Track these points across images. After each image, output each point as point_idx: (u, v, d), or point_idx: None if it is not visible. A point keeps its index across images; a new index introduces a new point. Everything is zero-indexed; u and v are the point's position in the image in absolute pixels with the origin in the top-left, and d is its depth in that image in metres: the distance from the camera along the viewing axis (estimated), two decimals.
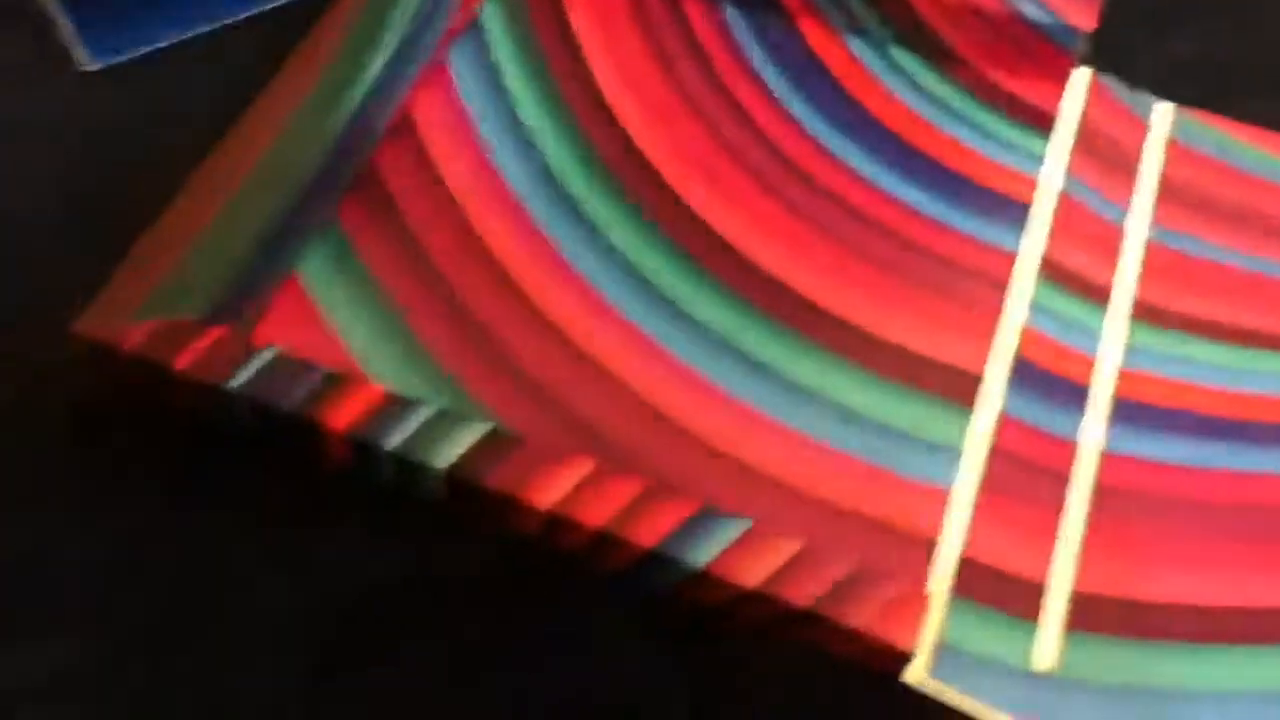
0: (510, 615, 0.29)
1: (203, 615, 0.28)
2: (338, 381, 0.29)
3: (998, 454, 0.30)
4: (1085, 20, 0.37)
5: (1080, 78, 0.37)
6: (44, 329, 0.32)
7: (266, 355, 0.29)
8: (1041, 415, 0.31)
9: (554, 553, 0.29)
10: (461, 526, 0.30)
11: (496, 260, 0.32)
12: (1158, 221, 0.34)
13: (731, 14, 0.38)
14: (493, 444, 0.28)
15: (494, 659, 0.28)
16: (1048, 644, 0.28)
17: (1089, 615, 0.28)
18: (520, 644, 0.28)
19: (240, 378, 0.28)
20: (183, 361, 0.29)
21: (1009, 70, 0.37)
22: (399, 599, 0.29)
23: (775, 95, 0.36)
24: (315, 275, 0.31)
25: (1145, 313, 0.33)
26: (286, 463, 0.30)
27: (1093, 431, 0.31)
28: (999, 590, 0.28)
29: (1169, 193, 0.35)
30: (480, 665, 0.28)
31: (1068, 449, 0.30)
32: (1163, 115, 0.37)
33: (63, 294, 0.33)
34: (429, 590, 0.29)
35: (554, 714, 0.27)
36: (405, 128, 0.34)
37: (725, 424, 0.30)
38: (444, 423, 0.28)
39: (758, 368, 0.31)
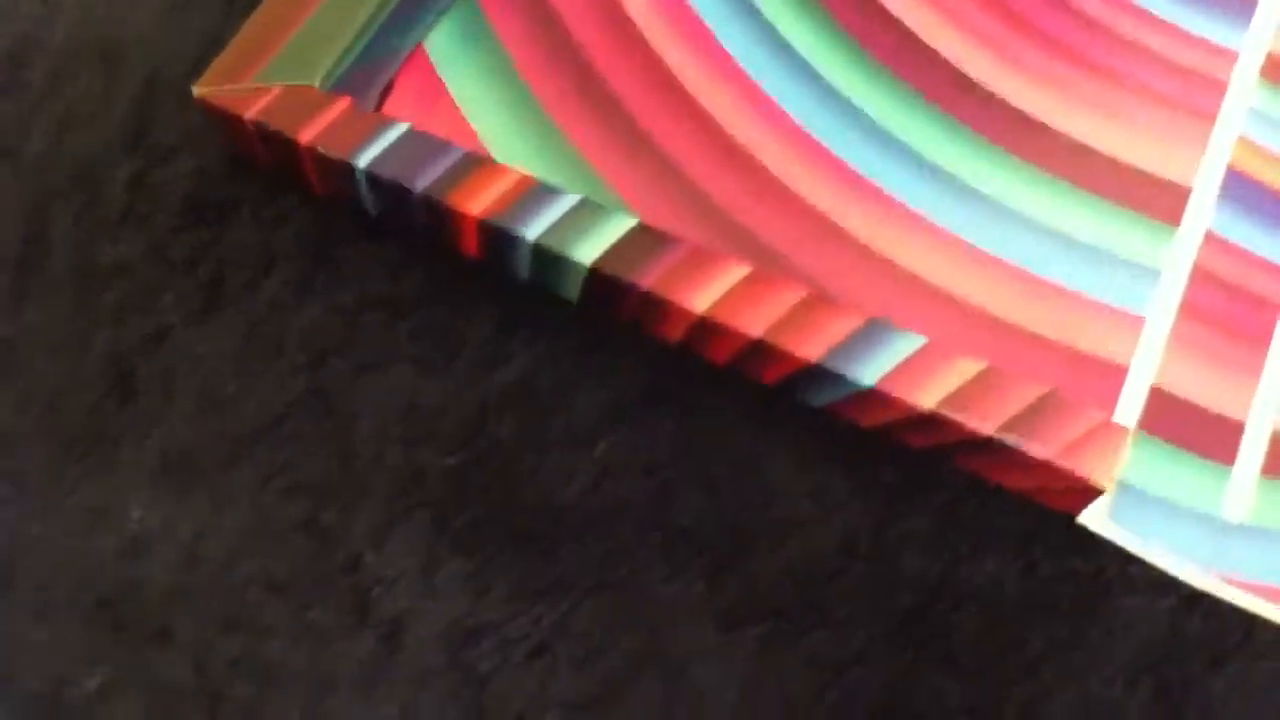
0: (657, 428, 0.27)
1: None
2: (474, 163, 0.26)
3: (1200, 276, 0.27)
4: None
5: None
6: (167, 98, 0.30)
7: (397, 131, 0.26)
8: (1253, 235, 0.27)
9: (704, 366, 0.27)
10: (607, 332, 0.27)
11: (643, 40, 0.29)
12: None
13: None
14: (642, 240, 0.25)
15: (639, 470, 0.26)
16: (1242, 490, 0.25)
17: None
18: (672, 460, 0.26)
19: (368, 154, 0.26)
20: (307, 134, 0.26)
21: None
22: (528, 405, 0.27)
23: None
24: (444, 48, 0.28)
25: None
26: (422, 246, 0.28)
27: None
28: (1191, 428, 0.25)
29: None
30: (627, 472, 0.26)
31: (1278, 272, 0.27)
32: None
33: (185, 60, 0.31)
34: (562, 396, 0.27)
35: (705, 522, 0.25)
36: None
37: (901, 234, 0.27)
38: (589, 214, 0.25)
39: (943, 176, 0.27)
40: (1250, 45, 0.29)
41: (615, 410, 0.27)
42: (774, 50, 0.29)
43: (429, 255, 0.28)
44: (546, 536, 0.26)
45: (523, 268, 0.27)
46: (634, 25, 0.29)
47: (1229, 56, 0.29)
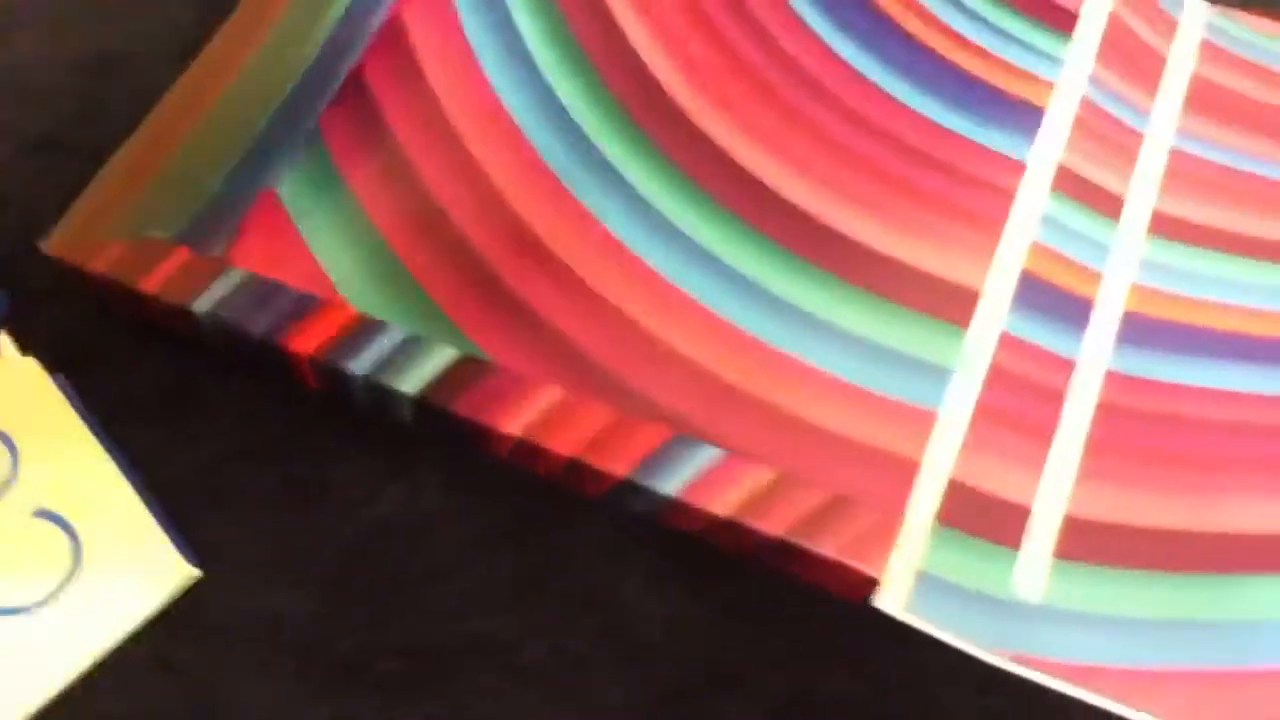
0: (519, 559, 0.29)
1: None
2: (307, 304, 0.28)
3: (996, 374, 0.29)
4: None
5: None
6: (29, 253, 0.32)
7: (235, 277, 0.28)
8: (1045, 333, 0.29)
9: (564, 493, 0.29)
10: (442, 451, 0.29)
11: (487, 179, 0.31)
12: (1182, 128, 0.32)
13: None
14: (461, 369, 0.27)
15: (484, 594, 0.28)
16: (1034, 573, 0.27)
17: (1080, 542, 0.27)
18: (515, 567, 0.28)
19: (207, 300, 0.28)
20: (150, 283, 0.28)
21: None
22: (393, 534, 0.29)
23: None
24: (293, 192, 0.30)
25: (1162, 225, 0.31)
26: (281, 388, 0.30)
27: (1098, 350, 0.29)
28: (986, 516, 0.27)
29: (1196, 97, 0.33)
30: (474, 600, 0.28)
31: (1069, 368, 0.29)
32: (1195, 12, 0.34)
33: (41, 215, 0.33)
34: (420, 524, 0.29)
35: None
36: (395, 35, 0.33)
37: (707, 344, 0.29)
38: (413, 347, 0.28)
39: (745, 284, 0.30)
40: (1037, 157, 0.32)
41: (479, 543, 0.29)
42: (604, 179, 0.31)
43: (290, 397, 0.30)
44: (411, 676, 0.27)
45: (361, 401, 0.29)
46: (485, 176, 0.31)
47: (1017, 168, 0.31)
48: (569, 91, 0.32)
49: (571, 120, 0.32)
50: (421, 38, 0.33)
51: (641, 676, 0.27)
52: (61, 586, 0.27)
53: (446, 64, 0.32)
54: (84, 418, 0.29)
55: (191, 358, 0.31)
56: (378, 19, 0.33)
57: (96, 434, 0.29)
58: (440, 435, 0.29)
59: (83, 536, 0.27)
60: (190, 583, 0.28)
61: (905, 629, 0.29)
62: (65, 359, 0.31)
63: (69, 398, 0.29)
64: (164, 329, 0.31)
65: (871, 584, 0.26)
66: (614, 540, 0.29)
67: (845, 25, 0.34)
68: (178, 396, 0.30)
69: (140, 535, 0.27)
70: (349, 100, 0.32)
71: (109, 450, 0.28)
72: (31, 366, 0.29)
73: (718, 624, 0.28)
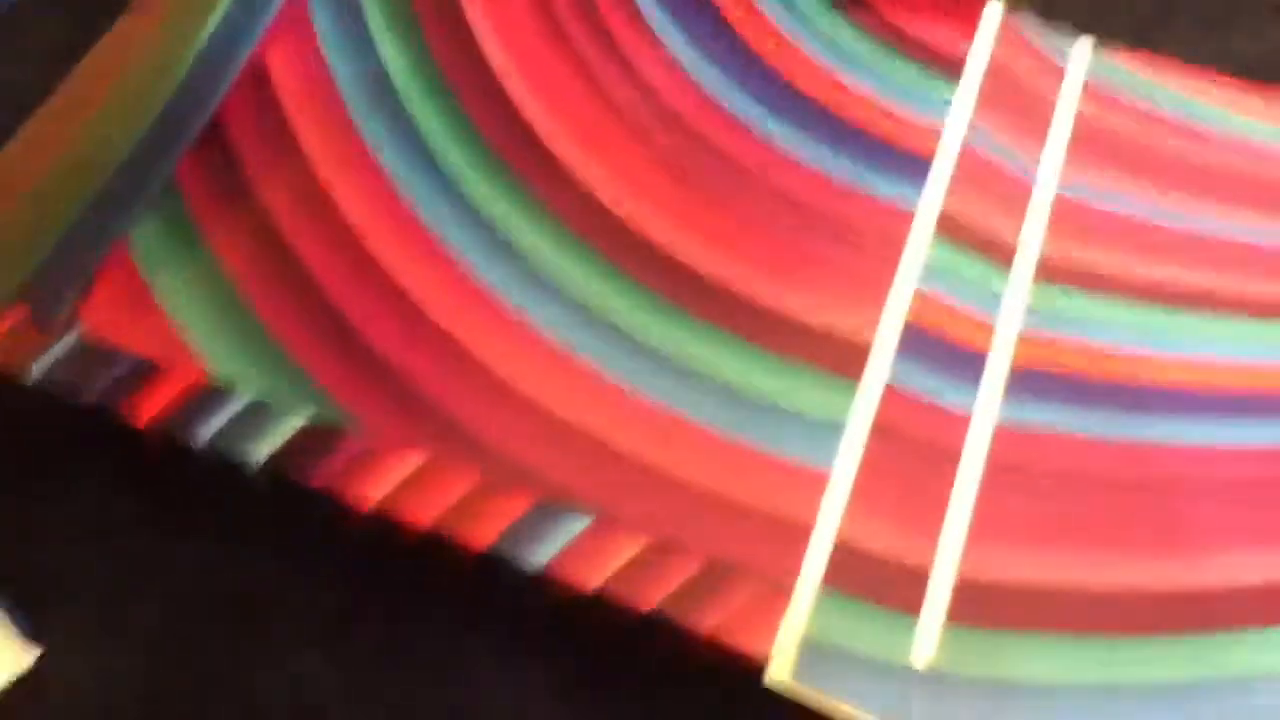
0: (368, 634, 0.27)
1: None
2: (145, 370, 0.26)
3: (882, 430, 0.28)
4: None
5: (992, 14, 0.34)
6: None
7: (70, 341, 0.26)
8: (932, 386, 0.28)
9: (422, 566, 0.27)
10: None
11: (351, 231, 0.29)
12: (1067, 171, 0.32)
13: None
14: (314, 437, 0.26)
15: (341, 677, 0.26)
16: (927, 638, 0.26)
17: (973, 605, 0.26)
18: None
19: (40, 367, 0.26)
20: None
21: (917, 13, 0.34)
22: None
23: (658, 37, 0.33)
24: (147, 244, 0.29)
25: (1049, 271, 0.30)
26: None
27: (988, 403, 0.28)
28: (876, 580, 0.26)
29: (1080, 140, 0.32)
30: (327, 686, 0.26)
31: (960, 423, 0.28)
32: (1080, 55, 0.34)
33: None
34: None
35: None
36: (257, 80, 0.31)
37: (578, 399, 0.27)
38: (260, 414, 0.26)
39: (618, 337, 0.28)
40: (924, 204, 0.31)
41: (325, 623, 0.27)
42: (475, 231, 0.30)
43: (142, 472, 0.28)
44: None
45: (203, 469, 0.27)
46: (349, 228, 0.30)
47: (904, 216, 0.31)
48: (442, 144, 0.31)
49: (450, 179, 0.30)
50: (285, 82, 0.31)
51: None
52: None
53: (311, 111, 0.31)
54: None
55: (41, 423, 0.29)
56: (239, 61, 0.31)
57: None
58: (295, 501, 0.27)
59: None
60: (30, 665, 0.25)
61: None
62: None
63: None
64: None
65: (760, 657, 0.24)
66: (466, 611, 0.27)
67: (730, 76, 0.33)
68: (19, 475, 0.28)
69: None
70: (207, 146, 0.30)
71: None
72: None
73: (571, 698, 0.26)
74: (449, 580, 0.27)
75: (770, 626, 0.24)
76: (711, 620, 0.24)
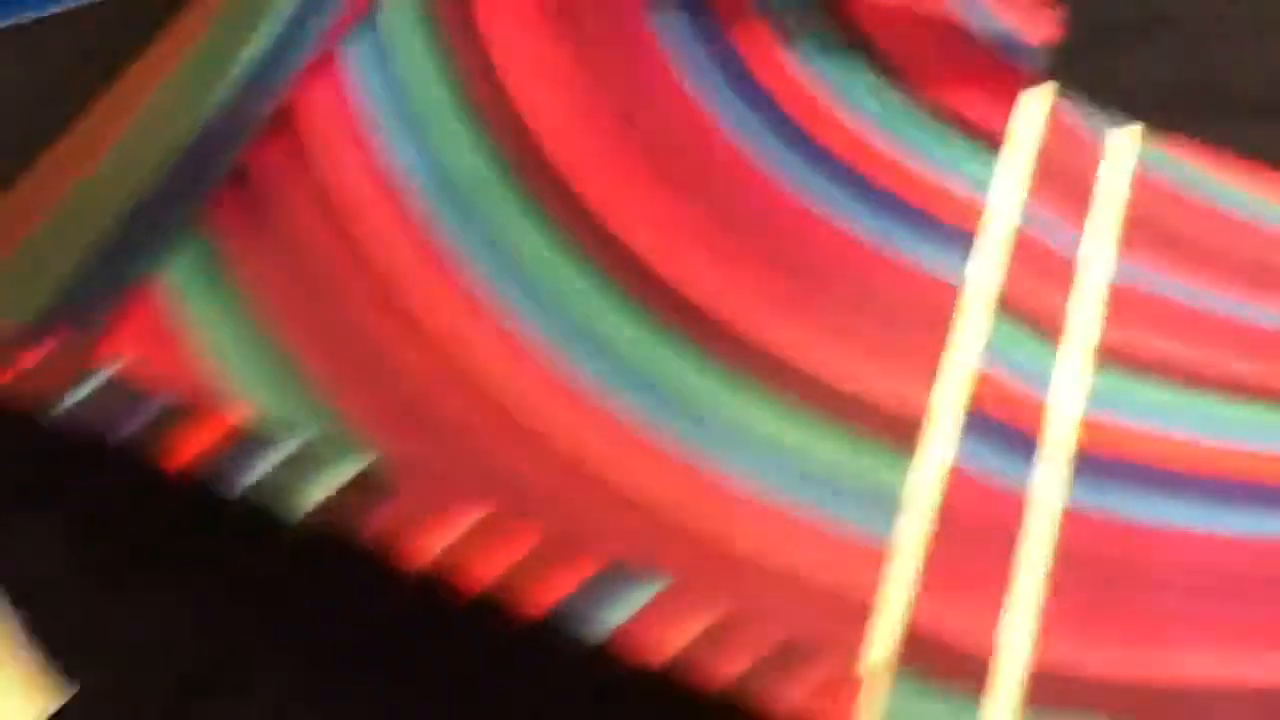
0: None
1: None
2: (180, 412, 0.24)
3: (946, 509, 0.27)
4: (1044, 34, 0.34)
5: (1036, 96, 0.34)
6: None
7: (102, 376, 0.25)
8: (996, 466, 0.28)
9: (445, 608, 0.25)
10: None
11: (383, 273, 0.28)
12: (1122, 256, 0.31)
13: (661, 16, 0.34)
14: (364, 486, 0.24)
15: None
16: None
17: (1047, 694, 0.25)
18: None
19: (68, 402, 0.24)
20: (3, 377, 0.24)
21: (958, 86, 0.33)
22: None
23: (707, 108, 0.33)
24: (176, 282, 0.27)
25: (1111, 354, 0.30)
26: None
27: (1052, 486, 0.28)
28: (945, 664, 0.25)
29: (1133, 225, 0.32)
30: None
31: (1024, 505, 0.27)
32: (1123, 141, 0.34)
33: None
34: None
35: None
36: (286, 122, 0.30)
37: (641, 468, 0.26)
38: (305, 463, 0.24)
39: (679, 405, 0.27)
40: (973, 278, 0.30)
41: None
42: (519, 283, 0.29)
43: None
44: None
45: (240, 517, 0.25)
46: (377, 264, 0.29)
47: (950, 289, 0.30)
48: (475, 181, 0.30)
49: (472, 207, 0.29)
50: (315, 123, 0.30)
51: None
52: None
53: (340, 151, 0.30)
54: None
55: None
56: (270, 102, 0.30)
57: None
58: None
59: None
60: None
61: None
62: None
63: None
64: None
65: None
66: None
67: (785, 151, 0.32)
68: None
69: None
70: (237, 186, 0.28)
71: None
72: None
73: None
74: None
75: (851, 706, 0.23)
76: (799, 693, 0.23)
